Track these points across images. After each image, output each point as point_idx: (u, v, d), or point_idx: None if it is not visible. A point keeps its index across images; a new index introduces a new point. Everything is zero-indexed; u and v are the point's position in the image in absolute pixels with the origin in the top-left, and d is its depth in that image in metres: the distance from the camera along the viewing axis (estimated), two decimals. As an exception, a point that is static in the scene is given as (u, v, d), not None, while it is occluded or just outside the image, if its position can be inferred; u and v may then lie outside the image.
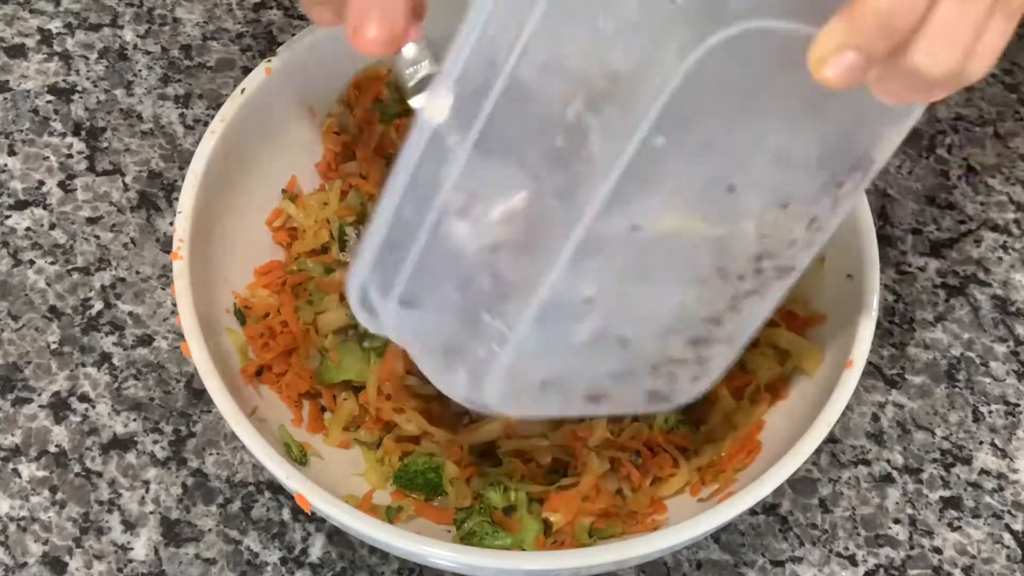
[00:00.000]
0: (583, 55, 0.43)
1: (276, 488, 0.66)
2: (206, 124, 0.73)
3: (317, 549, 0.64)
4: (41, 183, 0.75)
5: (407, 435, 0.63)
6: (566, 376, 0.50)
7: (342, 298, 0.65)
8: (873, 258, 0.60)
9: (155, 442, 0.67)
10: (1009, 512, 0.66)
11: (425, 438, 0.63)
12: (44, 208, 0.74)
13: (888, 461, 0.67)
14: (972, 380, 0.70)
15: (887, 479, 0.67)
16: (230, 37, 0.81)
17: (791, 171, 0.48)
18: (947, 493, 0.67)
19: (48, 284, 0.72)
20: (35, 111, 0.78)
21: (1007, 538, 0.65)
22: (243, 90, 0.64)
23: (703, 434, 0.64)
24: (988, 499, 0.67)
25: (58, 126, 0.77)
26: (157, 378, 0.69)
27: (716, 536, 0.65)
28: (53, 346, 0.70)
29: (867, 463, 0.67)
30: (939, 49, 0.40)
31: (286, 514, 0.65)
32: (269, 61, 0.64)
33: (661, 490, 0.62)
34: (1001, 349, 0.71)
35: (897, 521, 0.66)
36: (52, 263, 0.72)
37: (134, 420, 0.67)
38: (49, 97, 0.78)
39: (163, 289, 0.72)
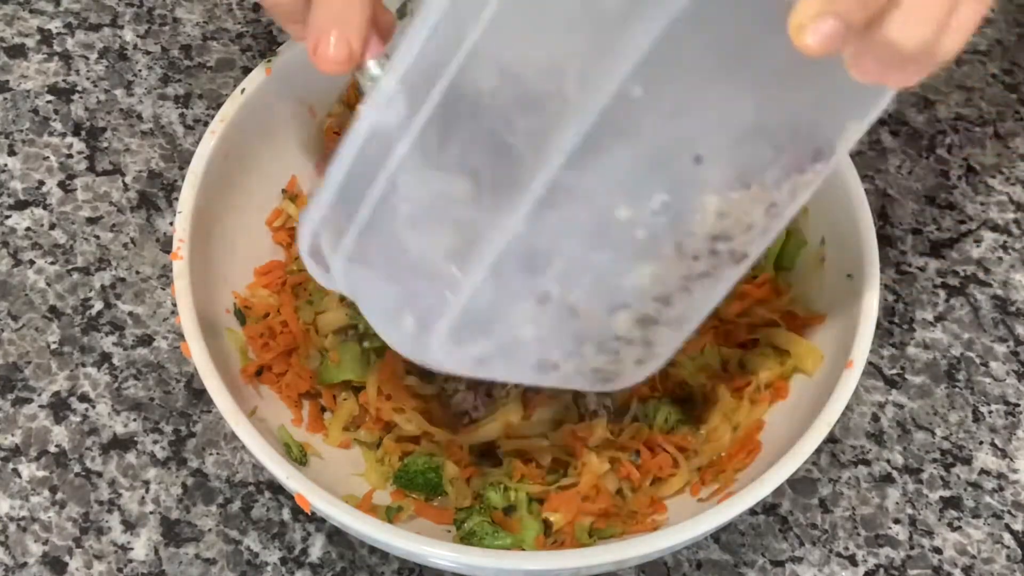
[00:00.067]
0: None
1: (276, 488, 0.66)
2: (206, 124, 0.73)
3: (317, 549, 0.64)
4: (41, 183, 0.75)
5: (407, 435, 0.63)
6: (514, 341, 0.50)
7: (342, 298, 0.65)
8: (873, 258, 0.60)
9: (155, 442, 0.67)
10: (1009, 512, 0.66)
11: (425, 438, 0.63)
12: (44, 208, 0.74)
13: (888, 461, 0.67)
14: (972, 380, 0.70)
15: (887, 479, 0.67)
16: (230, 37, 0.81)
17: (757, 150, 0.48)
18: (947, 493, 0.67)
19: (48, 284, 0.72)
20: (35, 111, 0.78)
21: (1007, 538, 0.65)
22: (243, 90, 0.64)
23: (703, 434, 0.64)
24: (988, 499, 0.67)
25: (58, 126, 0.77)
26: (157, 378, 0.69)
27: (716, 536, 0.65)
28: (53, 346, 0.70)
29: (867, 463, 0.67)
30: (914, 22, 0.41)
31: (286, 514, 0.65)
32: (269, 61, 0.64)
33: (661, 490, 0.62)
34: (1001, 349, 0.71)
35: (897, 521, 0.66)
36: (52, 263, 0.72)
37: (134, 420, 0.67)
38: (49, 97, 0.78)
39: (163, 289, 0.72)
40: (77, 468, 0.66)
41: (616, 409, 0.65)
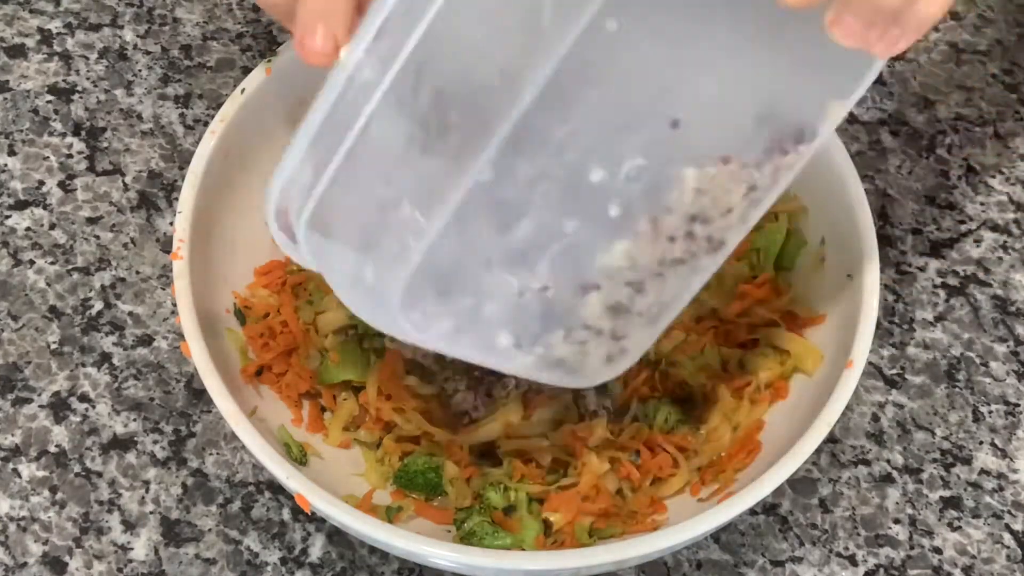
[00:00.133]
0: None
1: (276, 488, 0.66)
2: (206, 124, 0.73)
3: (317, 549, 0.64)
4: (41, 183, 0.75)
5: (407, 435, 0.63)
6: (477, 312, 0.49)
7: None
8: (873, 258, 0.60)
9: (155, 442, 0.67)
10: (1009, 512, 0.66)
11: (425, 438, 0.63)
12: (44, 208, 0.74)
13: (888, 461, 0.67)
14: (972, 380, 0.70)
15: (887, 479, 0.67)
16: (230, 37, 0.81)
17: (736, 120, 0.48)
18: (947, 493, 0.67)
19: (48, 284, 0.72)
20: (35, 111, 0.78)
21: (1007, 538, 0.65)
22: (243, 90, 0.64)
23: (703, 434, 0.64)
24: (988, 499, 0.67)
25: (58, 126, 0.77)
26: (157, 378, 0.69)
27: (716, 536, 0.65)
28: (53, 346, 0.70)
29: (867, 463, 0.67)
30: None
31: (286, 514, 0.65)
32: (269, 61, 0.64)
33: (661, 490, 0.62)
34: (1001, 349, 0.71)
35: (897, 521, 0.66)
36: (52, 263, 0.72)
37: (134, 420, 0.67)
38: (49, 97, 0.78)
39: (163, 289, 0.72)
40: (77, 468, 0.66)
41: (616, 409, 0.65)
